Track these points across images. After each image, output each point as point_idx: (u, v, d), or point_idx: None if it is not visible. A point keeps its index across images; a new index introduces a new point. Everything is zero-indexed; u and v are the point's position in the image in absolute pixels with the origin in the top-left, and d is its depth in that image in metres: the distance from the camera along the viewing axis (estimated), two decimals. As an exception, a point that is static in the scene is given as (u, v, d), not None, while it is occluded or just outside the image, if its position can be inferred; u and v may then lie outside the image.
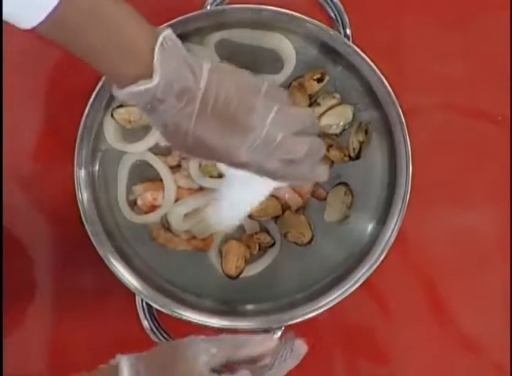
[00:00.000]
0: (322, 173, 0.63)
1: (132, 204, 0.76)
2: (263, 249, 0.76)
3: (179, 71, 0.55)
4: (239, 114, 0.56)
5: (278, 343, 0.57)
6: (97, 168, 0.76)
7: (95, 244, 0.73)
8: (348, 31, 0.75)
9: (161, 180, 0.75)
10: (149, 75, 0.54)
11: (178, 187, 0.75)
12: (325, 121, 0.75)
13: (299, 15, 0.73)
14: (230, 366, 0.55)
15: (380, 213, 0.75)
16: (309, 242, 0.75)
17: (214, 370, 0.54)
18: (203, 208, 0.75)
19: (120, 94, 0.56)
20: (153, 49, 0.54)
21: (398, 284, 0.78)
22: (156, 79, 0.54)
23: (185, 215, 0.75)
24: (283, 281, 0.76)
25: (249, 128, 0.56)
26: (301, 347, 0.57)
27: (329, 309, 0.73)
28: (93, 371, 0.54)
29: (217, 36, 0.75)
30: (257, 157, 0.57)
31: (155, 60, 0.54)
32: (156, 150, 0.76)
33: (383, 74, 0.72)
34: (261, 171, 0.59)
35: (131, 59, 0.55)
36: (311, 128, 0.60)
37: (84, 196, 0.74)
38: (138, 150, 0.75)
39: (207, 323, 0.73)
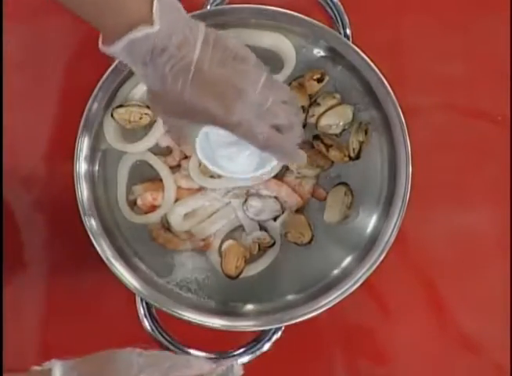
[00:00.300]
0: (302, 154, 0.67)
1: (132, 204, 0.76)
2: (263, 249, 0.76)
3: (178, 23, 0.56)
4: (233, 76, 0.58)
5: (216, 367, 0.57)
6: (97, 167, 0.76)
7: (95, 244, 0.73)
8: (348, 31, 0.75)
9: (161, 180, 0.75)
10: (148, 23, 0.55)
11: (178, 187, 0.75)
12: (325, 121, 0.75)
13: (299, 15, 0.73)
14: None
15: (379, 213, 0.75)
16: (309, 242, 0.75)
17: None
18: (202, 210, 0.75)
19: (119, 46, 0.56)
20: (151, 1, 0.55)
21: (398, 284, 0.78)
22: (157, 25, 0.55)
23: (185, 215, 0.75)
24: (283, 281, 0.76)
25: (242, 89, 0.58)
26: (239, 371, 0.58)
27: (329, 309, 0.73)
28: (24, 373, 0.54)
29: (217, 36, 0.75)
30: (248, 117, 0.58)
31: (154, 8, 0.55)
32: (156, 150, 0.76)
33: (383, 74, 0.72)
34: (249, 135, 0.60)
35: (128, 9, 0.55)
36: (293, 101, 0.63)
37: (84, 196, 0.73)
38: (138, 149, 0.75)
39: (207, 323, 0.73)
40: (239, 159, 0.66)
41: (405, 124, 0.72)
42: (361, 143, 0.74)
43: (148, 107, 0.74)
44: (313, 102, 0.75)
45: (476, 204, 0.79)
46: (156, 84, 0.59)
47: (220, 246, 0.76)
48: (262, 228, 0.76)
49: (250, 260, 0.76)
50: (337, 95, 0.75)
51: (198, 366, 0.57)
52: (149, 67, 0.58)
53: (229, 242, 0.75)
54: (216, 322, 0.73)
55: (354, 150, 0.74)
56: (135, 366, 0.54)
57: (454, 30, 0.80)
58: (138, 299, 0.74)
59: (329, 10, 0.75)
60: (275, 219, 0.76)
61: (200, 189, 0.75)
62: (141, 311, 0.74)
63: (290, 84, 0.75)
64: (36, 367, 0.54)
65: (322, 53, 0.75)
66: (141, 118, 0.74)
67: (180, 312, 0.73)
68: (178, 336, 0.73)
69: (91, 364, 0.55)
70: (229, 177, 0.69)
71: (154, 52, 0.56)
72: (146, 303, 0.73)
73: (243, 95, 0.58)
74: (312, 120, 0.75)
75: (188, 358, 0.58)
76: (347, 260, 0.75)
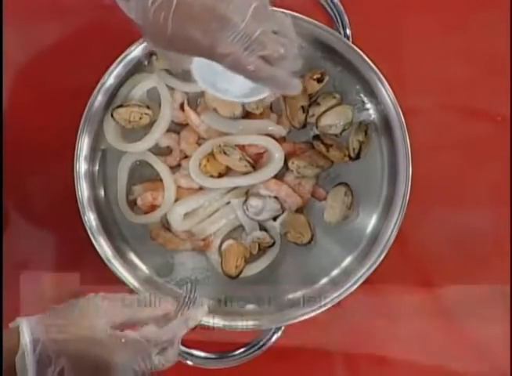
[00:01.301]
0: (296, 84, 0.60)
1: (132, 204, 0.76)
2: (263, 249, 0.76)
3: None
4: (218, 6, 0.55)
5: (178, 303, 0.60)
6: (97, 167, 0.76)
7: (94, 244, 0.73)
8: (348, 31, 0.75)
9: (161, 180, 0.75)
10: None
11: (178, 187, 0.75)
12: (325, 121, 0.75)
13: (299, 15, 0.73)
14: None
15: (380, 213, 0.75)
16: (309, 242, 0.75)
17: (115, 327, 0.55)
18: (202, 210, 0.75)
19: None
20: None
21: (398, 284, 0.78)
22: None
23: (185, 215, 0.75)
24: (282, 281, 0.76)
25: (228, 19, 0.56)
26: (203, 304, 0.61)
27: (330, 308, 0.73)
28: None
29: (217, 36, 0.75)
30: (235, 49, 0.56)
31: None
32: (156, 150, 0.76)
33: (383, 74, 0.72)
34: (236, 66, 0.58)
35: None
36: (289, 31, 0.60)
37: (84, 195, 0.74)
38: (138, 149, 0.75)
39: (206, 323, 0.73)
40: (239, 79, 0.62)
41: (405, 124, 0.72)
42: (361, 143, 0.74)
43: (148, 107, 0.74)
44: (313, 102, 0.75)
45: (476, 203, 0.79)
46: (139, 18, 0.57)
47: (220, 246, 0.76)
48: (262, 228, 0.76)
49: (250, 260, 0.76)
50: (337, 95, 0.75)
51: (163, 307, 0.58)
52: (131, 1, 0.57)
53: (229, 242, 0.75)
54: (216, 322, 0.73)
55: (354, 149, 0.75)
56: (100, 310, 0.55)
57: (454, 30, 0.80)
58: (138, 299, 0.74)
59: (329, 10, 0.75)
60: (275, 219, 0.76)
61: (200, 188, 0.75)
62: (141, 311, 0.74)
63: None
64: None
65: (322, 53, 0.75)
66: (141, 118, 0.74)
67: (180, 311, 0.73)
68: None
69: (56, 314, 0.56)
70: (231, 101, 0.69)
71: None
72: (146, 303, 0.74)
73: (229, 26, 0.56)
74: (312, 120, 0.75)
75: (152, 299, 0.59)
76: (348, 260, 0.75)
